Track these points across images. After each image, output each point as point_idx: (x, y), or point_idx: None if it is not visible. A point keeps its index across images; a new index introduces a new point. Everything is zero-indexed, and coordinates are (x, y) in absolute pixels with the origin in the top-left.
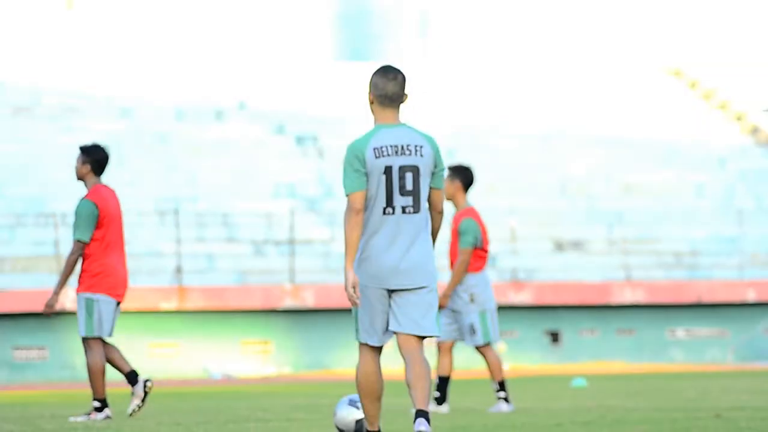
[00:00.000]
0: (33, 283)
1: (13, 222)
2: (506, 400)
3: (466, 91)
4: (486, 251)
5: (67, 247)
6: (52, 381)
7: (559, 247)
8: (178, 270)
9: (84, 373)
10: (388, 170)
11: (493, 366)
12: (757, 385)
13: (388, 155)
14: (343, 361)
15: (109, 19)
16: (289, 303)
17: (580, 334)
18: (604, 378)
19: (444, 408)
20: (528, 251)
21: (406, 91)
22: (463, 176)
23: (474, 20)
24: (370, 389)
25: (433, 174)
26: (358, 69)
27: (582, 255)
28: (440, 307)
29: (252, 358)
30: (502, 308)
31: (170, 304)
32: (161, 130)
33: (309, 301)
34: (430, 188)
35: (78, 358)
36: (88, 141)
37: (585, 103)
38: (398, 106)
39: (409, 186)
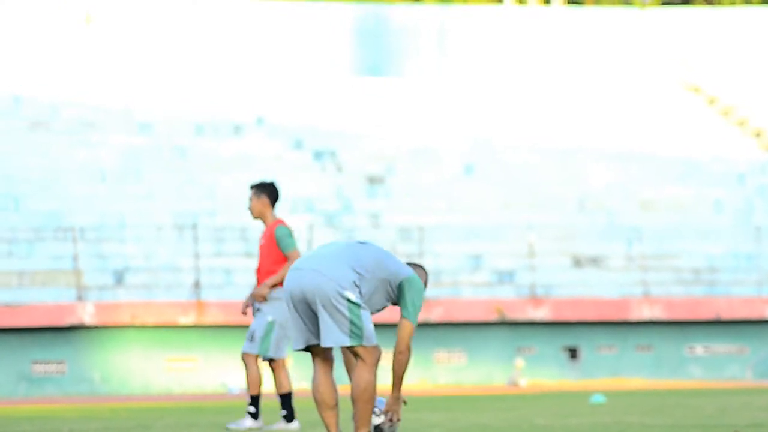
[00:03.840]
0: (51, 298)
1: (31, 236)
2: (253, 415)
3: (484, 105)
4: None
5: (86, 261)
6: (70, 395)
7: (578, 262)
8: (196, 284)
9: (103, 387)
10: None
11: (251, 380)
12: None
13: None
14: None
15: (127, 35)
16: None
17: (598, 350)
18: (622, 394)
19: (294, 425)
20: (546, 267)
21: None
22: (270, 192)
23: (492, 35)
24: (319, 400)
25: None
26: (376, 84)
27: (600, 271)
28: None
29: (270, 373)
30: (519, 324)
31: (188, 319)
32: (179, 145)
33: None
34: None
35: (96, 373)
36: (104, 155)
37: (604, 119)
38: None
39: None
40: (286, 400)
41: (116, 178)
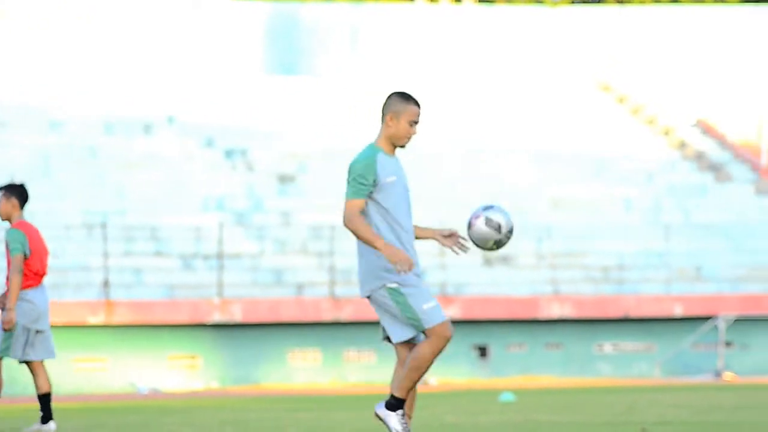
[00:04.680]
0: None
1: None
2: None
3: None
4: (33, 268)
5: None
6: None
7: (488, 261)
8: (106, 284)
9: (10, 389)
10: None
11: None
12: (683, 399)
13: None
14: (271, 375)
15: (36, 34)
16: (217, 317)
17: (508, 348)
18: (532, 392)
19: (52, 426)
20: (456, 266)
21: (381, 110)
22: (19, 194)
23: (404, 33)
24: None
25: None
26: (287, 83)
27: (510, 269)
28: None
29: (179, 373)
30: None
31: (97, 319)
32: (90, 144)
33: (237, 315)
34: None
35: (3, 374)
36: (14, 154)
37: (515, 117)
38: (381, 123)
39: None
40: (44, 401)
41: (26, 177)
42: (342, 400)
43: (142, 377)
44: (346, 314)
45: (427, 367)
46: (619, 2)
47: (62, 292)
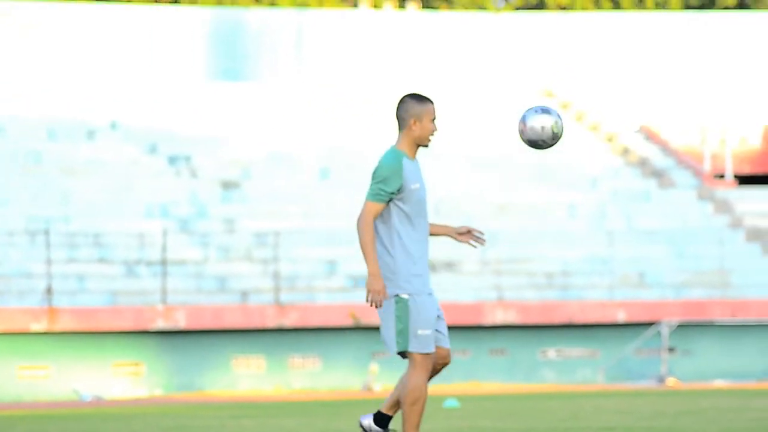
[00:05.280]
0: None
1: None
2: None
3: (340, 110)
4: None
5: None
6: None
7: (432, 267)
8: (49, 291)
9: None
10: None
11: None
12: (626, 405)
13: None
14: (215, 382)
15: None
16: (161, 324)
17: (452, 354)
18: (476, 398)
19: None
20: None
21: (398, 114)
22: None
23: (348, 39)
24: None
25: None
26: (231, 89)
27: (454, 275)
28: None
29: (123, 380)
30: (374, 329)
31: (40, 326)
32: (32, 150)
33: (181, 322)
34: None
35: None
36: None
37: (458, 123)
38: (399, 127)
39: None
40: None
41: None
42: (286, 407)
43: (85, 384)
44: (290, 321)
45: (424, 397)
46: (562, 9)
47: (5, 299)
